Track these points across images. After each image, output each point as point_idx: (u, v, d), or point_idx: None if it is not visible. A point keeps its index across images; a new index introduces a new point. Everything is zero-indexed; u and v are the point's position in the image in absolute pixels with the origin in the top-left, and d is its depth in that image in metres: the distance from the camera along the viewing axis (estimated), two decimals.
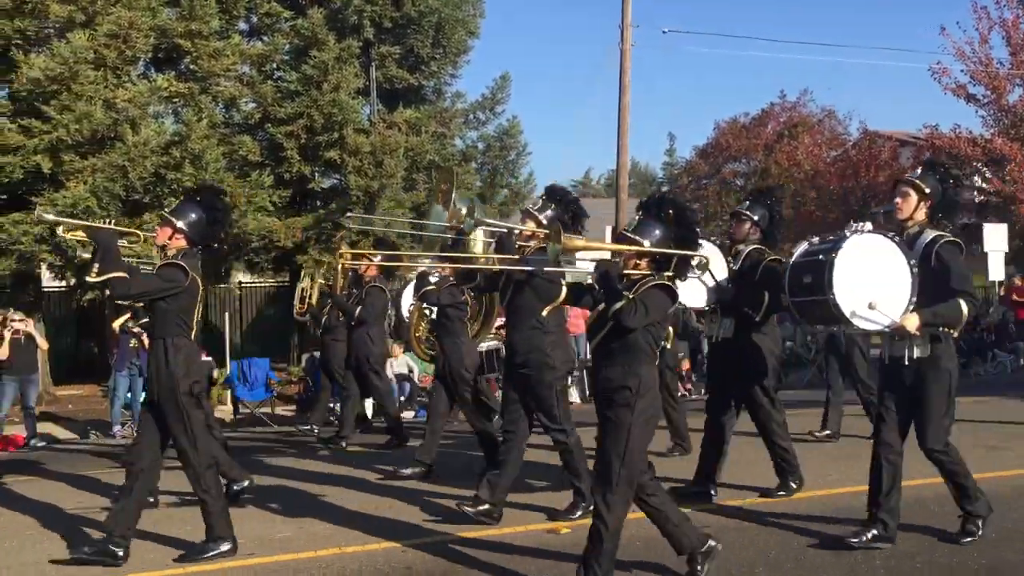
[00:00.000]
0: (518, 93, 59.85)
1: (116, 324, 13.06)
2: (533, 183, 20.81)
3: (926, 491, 6.21)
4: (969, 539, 5.41)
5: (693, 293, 6.49)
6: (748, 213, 6.84)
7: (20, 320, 12.22)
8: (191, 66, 14.52)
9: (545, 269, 5.56)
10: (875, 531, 5.34)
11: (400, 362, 13.83)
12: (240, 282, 19.35)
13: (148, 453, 5.62)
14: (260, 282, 19.61)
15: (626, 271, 4.74)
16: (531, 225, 6.14)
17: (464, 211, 5.66)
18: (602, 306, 4.66)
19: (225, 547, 5.59)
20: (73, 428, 12.75)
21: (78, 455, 10.56)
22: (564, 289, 5.35)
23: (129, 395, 12.91)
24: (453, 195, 5.98)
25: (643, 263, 4.73)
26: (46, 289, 16.64)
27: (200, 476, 5.56)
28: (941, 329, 5.24)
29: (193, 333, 5.66)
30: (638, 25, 23.46)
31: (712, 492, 6.70)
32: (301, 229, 15.32)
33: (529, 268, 5.86)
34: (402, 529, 6.18)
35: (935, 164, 5.76)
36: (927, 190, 5.41)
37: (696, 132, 73.17)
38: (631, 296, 4.57)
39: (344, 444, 9.96)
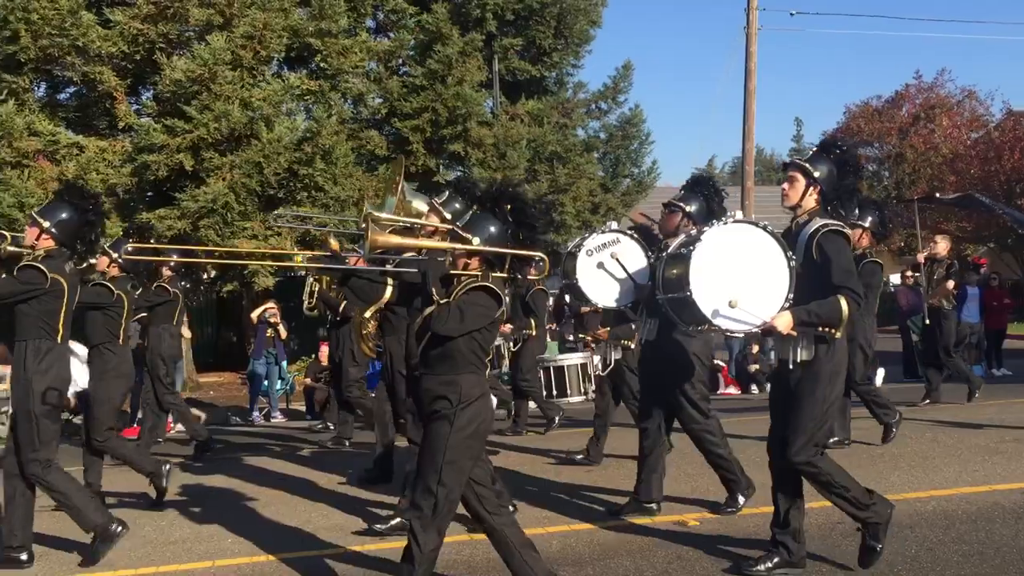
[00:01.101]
0: (640, 81, 59.35)
1: (254, 314, 13.64)
2: (656, 172, 20.64)
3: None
4: (873, 558, 4.73)
5: (608, 290, 6.18)
6: (680, 204, 6.13)
7: None
8: (321, 64, 14.96)
9: (367, 269, 5.14)
10: (778, 558, 4.81)
11: None
12: None
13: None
14: None
15: (455, 271, 4.34)
16: (435, 220, 5.65)
17: (413, 203, 5.57)
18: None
19: (116, 528, 5.46)
20: (215, 415, 13.35)
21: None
22: (389, 289, 5.01)
23: (266, 383, 13.47)
24: (401, 186, 5.74)
25: (473, 263, 4.34)
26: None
27: (40, 480, 5.37)
28: (825, 329, 4.65)
29: (60, 336, 5.45)
30: (764, 8, 22.95)
31: (654, 506, 6.13)
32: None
33: (348, 268, 5.54)
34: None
35: (830, 145, 5.03)
36: (816, 174, 4.83)
37: (825, 117, 71.01)
38: (446, 300, 4.20)
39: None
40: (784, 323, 4.63)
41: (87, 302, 6.74)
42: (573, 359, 8.05)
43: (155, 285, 9.15)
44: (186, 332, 13.23)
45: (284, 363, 13.77)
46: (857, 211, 8.01)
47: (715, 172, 69.83)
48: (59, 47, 13.18)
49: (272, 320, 13.42)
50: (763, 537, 5.09)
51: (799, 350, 4.72)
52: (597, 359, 8.01)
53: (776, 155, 68.34)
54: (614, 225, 6.52)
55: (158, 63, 13.53)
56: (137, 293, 8.63)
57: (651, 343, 6.15)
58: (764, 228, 4.86)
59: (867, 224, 8.17)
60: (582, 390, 8.03)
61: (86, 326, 7.03)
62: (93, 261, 6.97)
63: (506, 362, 10.05)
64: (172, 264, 9.30)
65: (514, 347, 9.93)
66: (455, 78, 15.42)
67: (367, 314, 5.85)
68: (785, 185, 4.94)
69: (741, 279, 4.78)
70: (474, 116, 15.77)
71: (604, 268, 6.18)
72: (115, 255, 7.27)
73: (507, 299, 4.54)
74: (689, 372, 6.02)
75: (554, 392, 7.97)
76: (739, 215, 5.23)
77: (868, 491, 4.77)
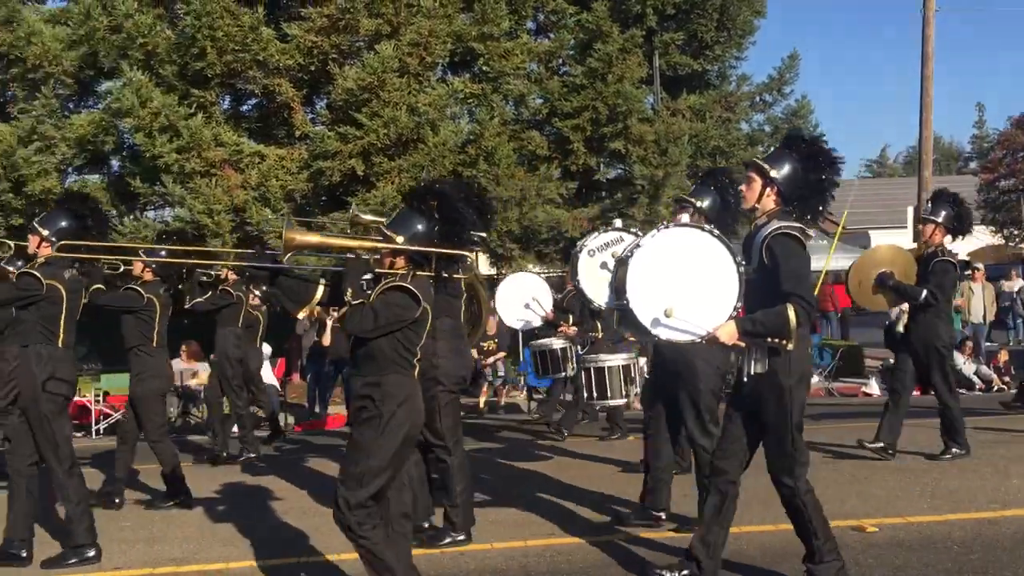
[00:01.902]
0: (807, 71, 57.27)
1: None
2: None
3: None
4: None
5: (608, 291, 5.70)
6: (691, 200, 5.84)
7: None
8: (483, 67, 15.25)
9: (295, 269, 5.04)
10: (687, 570, 4.58)
11: None
12: (530, 272, 20.08)
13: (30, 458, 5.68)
14: (549, 272, 20.23)
15: (381, 270, 4.31)
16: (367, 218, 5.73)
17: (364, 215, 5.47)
18: None
19: (89, 553, 5.65)
20: None
21: None
22: (320, 289, 4.84)
23: None
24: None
25: (399, 261, 4.30)
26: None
27: (62, 484, 5.60)
28: (775, 340, 4.34)
29: (61, 340, 5.60)
30: None
31: (661, 517, 6.01)
32: (587, 219, 15.63)
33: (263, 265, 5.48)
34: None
35: (794, 140, 4.74)
36: (773, 174, 4.50)
37: (1010, 101, 66.35)
38: (359, 300, 4.15)
39: None
40: (727, 334, 4.40)
41: (117, 305, 7.16)
42: (616, 360, 7.65)
43: (219, 289, 9.43)
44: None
45: None
46: (930, 205, 8.03)
47: (888, 162, 66.63)
48: (242, 62, 14.00)
49: None
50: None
51: (752, 362, 4.45)
52: (643, 360, 7.75)
53: (956, 144, 64.47)
54: (618, 223, 6.30)
55: (331, 73, 14.16)
56: (206, 296, 9.08)
57: (657, 348, 5.91)
58: (712, 232, 4.59)
59: (940, 219, 7.83)
60: (623, 392, 7.66)
61: (121, 329, 7.33)
62: (127, 267, 7.40)
63: (571, 365, 9.61)
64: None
65: (582, 350, 9.55)
66: (615, 76, 15.38)
67: (300, 315, 5.84)
68: (743, 186, 4.70)
69: (686, 287, 4.50)
70: (635, 113, 15.68)
71: (607, 268, 5.84)
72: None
73: (445, 294, 4.66)
74: (694, 382, 5.67)
75: (595, 394, 7.62)
76: (684, 219, 5.07)
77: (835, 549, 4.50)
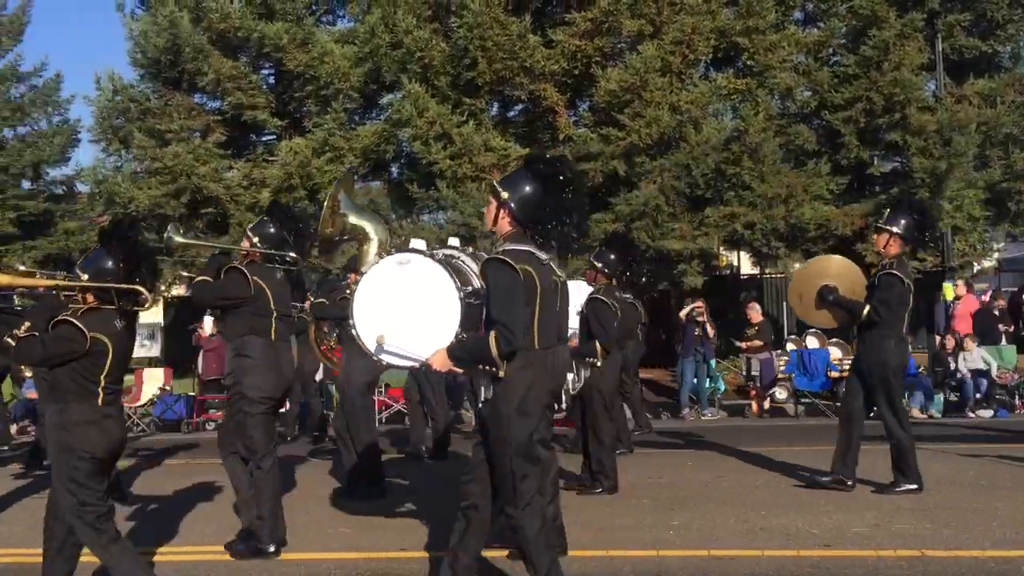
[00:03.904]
0: None
1: (683, 313, 13.97)
2: None
3: None
4: None
5: None
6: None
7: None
8: (748, 62, 14.89)
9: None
10: None
11: None
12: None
13: None
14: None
15: (74, 304, 4.59)
16: (246, 244, 6.03)
17: (349, 218, 5.51)
18: None
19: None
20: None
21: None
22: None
23: (695, 380, 13.73)
24: (340, 202, 5.69)
25: (89, 296, 4.57)
26: None
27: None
28: (488, 368, 4.20)
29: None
30: None
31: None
32: (861, 216, 14.84)
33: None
34: None
35: (532, 161, 4.55)
36: (505, 196, 4.36)
37: None
38: (28, 332, 4.54)
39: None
40: (439, 360, 4.41)
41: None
42: None
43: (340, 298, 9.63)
44: None
45: (712, 362, 13.93)
46: (888, 213, 7.38)
47: None
48: (510, 69, 14.56)
49: (700, 319, 13.66)
50: None
51: (481, 388, 4.29)
52: (571, 377, 7.38)
53: None
54: (453, 242, 5.87)
55: (594, 76, 14.40)
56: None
57: None
58: (435, 258, 4.67)
59: (895, 229, 7.13)
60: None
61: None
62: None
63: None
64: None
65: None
66: (892, 63, 14.48)
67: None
68: (485, 208, 4.61)
69: (408, 313, 4.61)
70: (914, 102, 14.68)
71: None
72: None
73: (117, 327, 4.57)
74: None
75: None
76: (415, 243, 5.06)
77: None
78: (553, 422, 5.23)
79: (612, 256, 7.70)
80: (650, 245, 14.16)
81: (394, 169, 17.41)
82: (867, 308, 7.05)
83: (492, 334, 4.17)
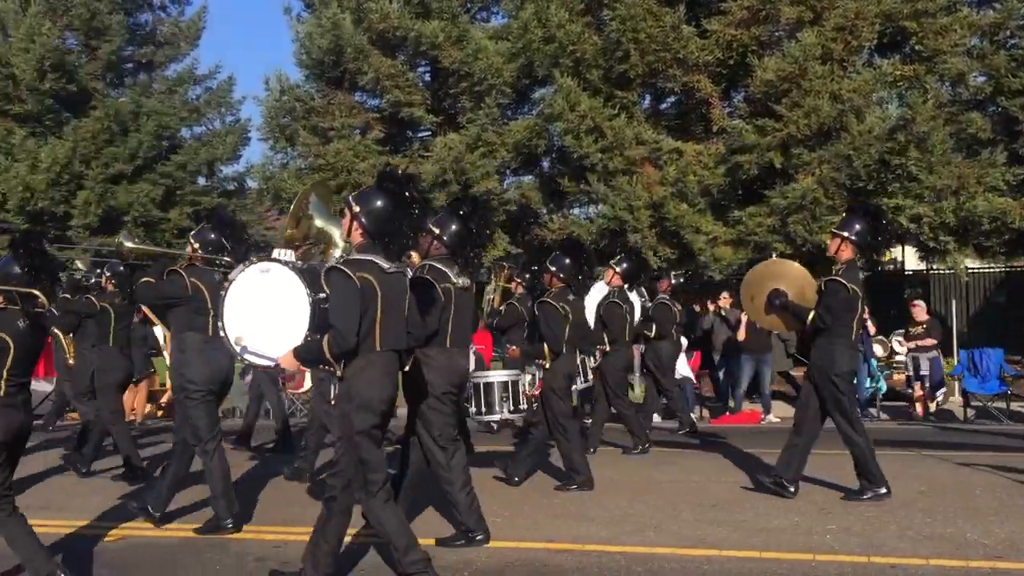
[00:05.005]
0: None
1: None
2: None
3: None
4: None
5: None
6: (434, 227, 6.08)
7: (723, 299, 13.49)
8: (916, 47, 14.18)
9: None
10: None
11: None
12: (967, 267, 18.31)
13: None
14: (989, 267, 18.30)
15: None
16: (189, 249, 6.59)
17: (315, 222, 5.75)
18: None
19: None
20: None
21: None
22: None
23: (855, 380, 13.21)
24: (310, 205, 5.89)
25: (1, 299, 4.97)
26: None
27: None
28: (328, 368, 4.74)
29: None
30: None
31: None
32: None
33: None
34: None
35: (383, 178, 4.89)
36: (357, 210, 4.80)
37: None
38: None
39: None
40: (287, 360, 4.89)
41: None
42: (501, 376, 7.80)
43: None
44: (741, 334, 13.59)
45: (873, 361, 13.37)
46: (844, 218, 7.37)
47: None
48: (662, 61, 14.41)
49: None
50: None
51: (332, 387, 4.77)
52: (528, 377, 7.81)
53: None
54: (282, 254, 5.78)
55: (750, 65, 14.05)
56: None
57: None
58: (290, 266, 5.15)
59: (846, 233, 7.06)
60: (508, 408, 7.69)
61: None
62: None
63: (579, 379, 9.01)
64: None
65: (594, 363, 9.45)
66: None
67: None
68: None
69: (269, 316, 5.09)
70: None
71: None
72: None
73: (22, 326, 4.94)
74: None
75: (482, 408, 7.72)
76: (278, 253, 5.36)
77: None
78: (457, 416, 6.02)
79: (567, 261, 7.81)
80: (807, 239, 13.72)
81: (545, 163, 17.51)
82: (812, 314, 7.03)
83: (327, 337, 4.59)
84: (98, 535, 6.45)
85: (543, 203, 16.79)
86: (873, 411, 13.15)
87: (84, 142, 19.46)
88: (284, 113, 17.59)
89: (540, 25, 15.28)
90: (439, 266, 5.85)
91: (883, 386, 13.68)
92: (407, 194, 4.83)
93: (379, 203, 4.77)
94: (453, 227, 5.93)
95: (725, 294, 13.70)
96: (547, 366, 7.56)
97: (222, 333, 5.34)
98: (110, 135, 19.90)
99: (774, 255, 12.21)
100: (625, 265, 9.80)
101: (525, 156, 16.66)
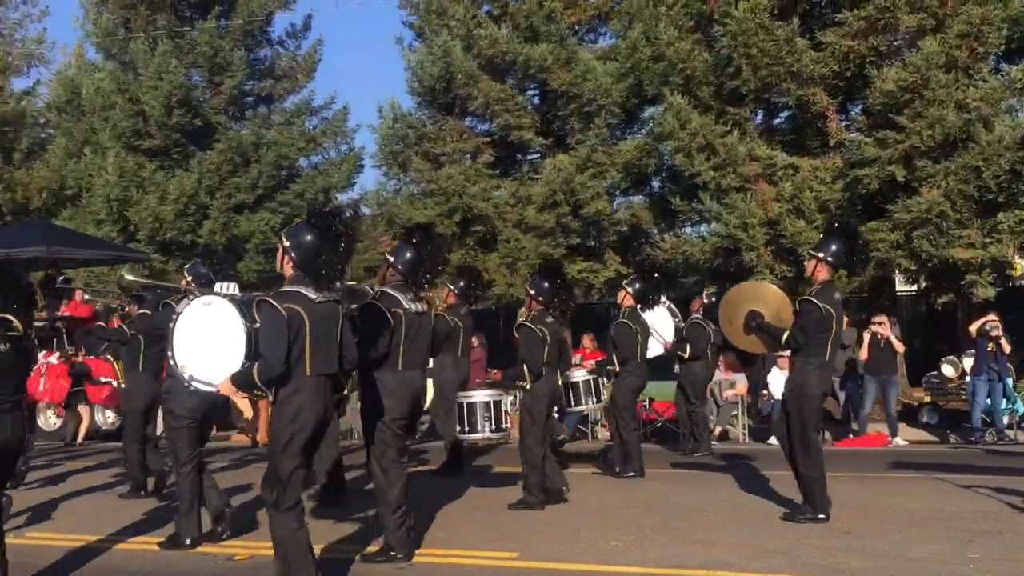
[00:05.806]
0: None
1: (973, 327, 12.87)
2: None
3: None
4: None
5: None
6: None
7: (880, 323, 12.91)
8: None
9: None
10: None
11: None
12: None
13: None
14: None
15: None
16: (184, 282, 6.99)
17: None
18: None
19: None
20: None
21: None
22: None
23: (988, 400, 12.61)
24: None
25: None
26: (900, 293, 17.26)
27: None
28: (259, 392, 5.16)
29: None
30: None
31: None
32: None
33: None
34: None
35: (311, 214, 5.22)
36: (287, 243, 5.15)
37: None
38: None
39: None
40: (225, 387, 5.21)
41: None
42: (484, 396, 7.81)
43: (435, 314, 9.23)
44: (899, 346, 13.06)
45: (1009, 380, 12.71)
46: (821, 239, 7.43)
47: None
48: (776, 75, 14.12)
49: (993, 333, 12.52)
50: None
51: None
52: (510, 398, 8.01)
53: None
54: (225, 287, 6.31)
55: (868, 77, 13.64)
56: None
57: None
58: (230, 299, 5.47)
59: (822, 255, 7.13)
60: (490, 427, 7.73)
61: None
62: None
63: (592, 398, 9.25)
64: (456, 291, 9.81)
65: (607, 382, 9.65)
66: None
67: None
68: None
69: (212, 345, 5.39)
70: None
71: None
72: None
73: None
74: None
75: (466, 427, 7.78)
76: (223, 288, 5.75)
77: None
78: (404, 439, 6.13)
79: (545, 284, 7.98)
80: (932, 255, 13.17)
81: (655, 183, 17.37)
82: (786, 334, 7.01)
83: (256, 365, 4.92)
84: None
85: (654, 223, 16.63)
86: (1010, 433, 12.49)
87: (209, 174, 20.27)
88: (397, 140, 17.95)
89: (649, 44, 15.21)
90: (392, 292, 6.15)
91: (1020, 407, 13.00)
92: (334, 228, 5.11)
93: (308, 237, 5.08)
94: (407, 255, 6.26)
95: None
96: (527, 387, 7.75)
97: (171, 362, 5.67)
98: (233, 166, 20.68)
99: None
100: (637, 286, 9.85)
101: (635, 176, 16.56)
